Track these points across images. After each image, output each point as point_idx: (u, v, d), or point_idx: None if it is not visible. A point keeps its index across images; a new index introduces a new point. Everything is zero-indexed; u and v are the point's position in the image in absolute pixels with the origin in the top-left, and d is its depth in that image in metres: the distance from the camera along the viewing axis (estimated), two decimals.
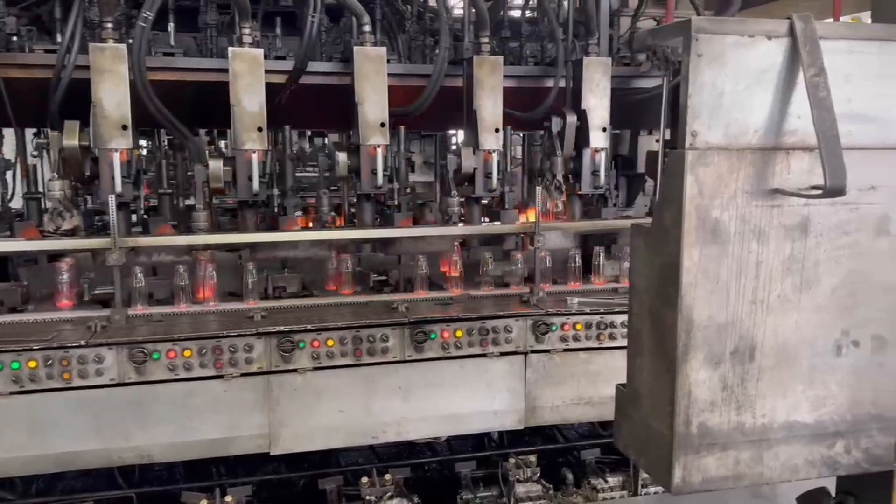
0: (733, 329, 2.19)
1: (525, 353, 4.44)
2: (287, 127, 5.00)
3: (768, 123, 2.13)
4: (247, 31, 4.48)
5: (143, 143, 5.94)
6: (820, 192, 2.05)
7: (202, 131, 6.20)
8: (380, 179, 4.69)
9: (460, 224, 4.93)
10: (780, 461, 2.28)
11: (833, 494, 2.65)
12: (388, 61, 4.82)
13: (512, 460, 4.59)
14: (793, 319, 2.23)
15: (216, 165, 4.42)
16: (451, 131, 7.97)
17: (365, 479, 4.28)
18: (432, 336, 4.21)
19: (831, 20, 5.05)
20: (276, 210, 4.78)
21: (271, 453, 4.07)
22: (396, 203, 5.03)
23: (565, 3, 5.47)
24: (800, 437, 2.29)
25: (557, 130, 4.93)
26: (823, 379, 2.28)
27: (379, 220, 4.98)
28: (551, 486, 4.62)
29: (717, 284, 2.16)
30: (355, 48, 4.65)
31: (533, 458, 4.53)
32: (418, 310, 4.36)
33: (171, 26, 4.76)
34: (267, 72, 4.50)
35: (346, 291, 4.60)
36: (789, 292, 2.21)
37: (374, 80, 4.67)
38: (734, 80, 2.09)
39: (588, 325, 4.41)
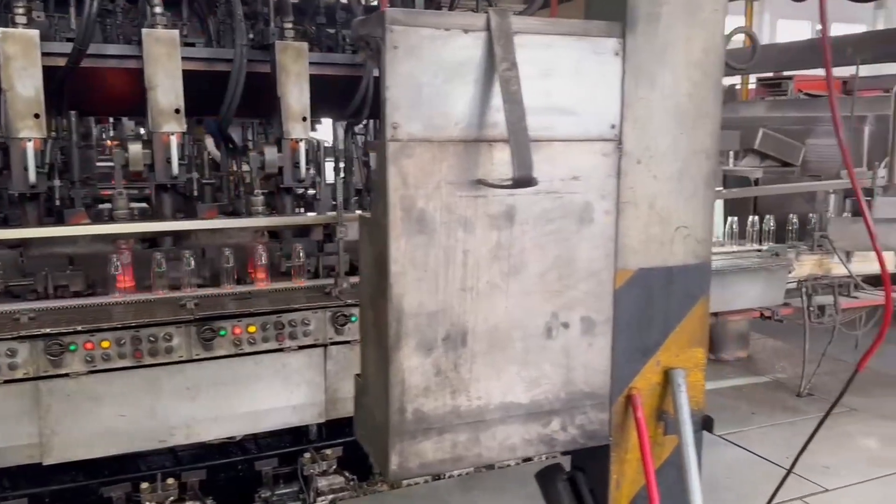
0: (444, 316, 2.24)
1: (325, 346, 4.40)
2: (73, 113, 4.71)
3: (470, 116, 2.19)
4: (20, 10, 4.17)
5: None
6: (511, 182, 2.13)
7: None
8: (175, 169, 4.51)
9: (259, 217, 4.83)
10: (498, 441, 2.37)
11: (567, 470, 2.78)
12: (195, 44, 4.64)
13: (308, 455, 4.55)
14: (503, 305, 2.31)
15: None
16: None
17: (145, 485, 4.11)
18: (222, 333, 4.09)
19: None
20: (59, 203, 4.50)
21: (43, 463, 3.82)
22: (196, 194, 4.87)
23: None
24: (516, 417, 2.39)
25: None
26: (536, 360, 2.39)
27: (183, 213, 4.80)
28: (355, 476, 4.63)
29: (425, 273, 2.20)
30: (144, 31, 4.42)
31: (331, 451, 4.51)
32: (213, 306, 4.23)
33: None
34: (50, 55, 4.22)
35: (128, 287, 4.38)
36: (498, 279, 2.29)
37: (166, 64, 4.47)
38: (432, 73, 2.13)
39: None
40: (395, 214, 2.14)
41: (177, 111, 4.47)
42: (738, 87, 15.73)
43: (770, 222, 6.50)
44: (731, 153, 8.31)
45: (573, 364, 2.43)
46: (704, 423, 2.66)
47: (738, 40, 3.40)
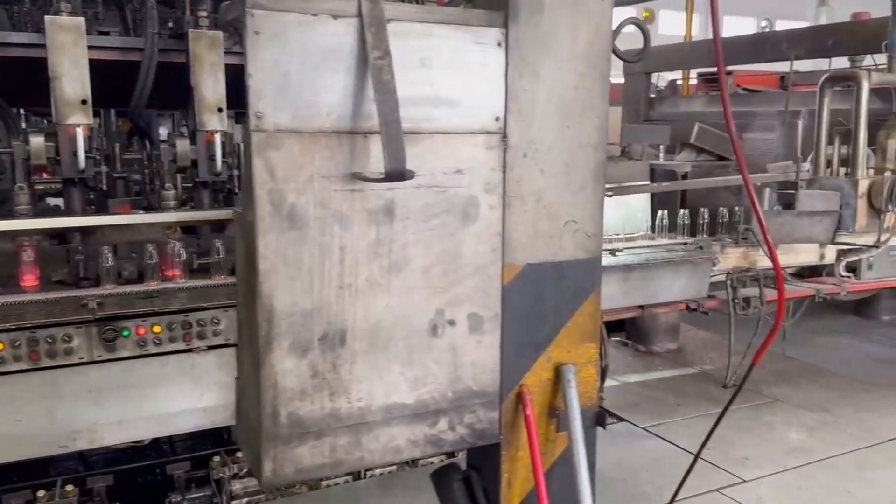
0: (321, 315, 2.16)
1: (237, 346, 4.27)
2: None
3: (343, 106, 2.10)
4: None
5: None
6: (382, 176, 2.05)
7: None
8: (81, 163, 4.32)
9: (170, 212, 4.67)
10: (381, 444, 2.30)
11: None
12: (109, 33, 4.45)
13: (217, 458, 4.43)
14: (384, 302, 2.24)
15: None
16: None
17: (42, 493, 3.95)
18: (125, 333, 3.93)
19: None
20: None
21: None
22: (105, 188, 4.69)
23: None
24: (401, 418, 2.32)
25: None
26: (422, 359, 2.32)
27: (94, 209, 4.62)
28: None
29: (299, 271, 2.11)
30: (47, 18, 4.22)
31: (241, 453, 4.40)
32: (121, 305, 4.06)
33: None
34: None
35: (33, 286, 4.19)
36: (378, 276, 2.22)
37: (72, 52, 4.27)
38: (300, 61, 2.04)
39: None
40: (262, 209, 2.04)
41: (83, 102, 4.29)
42: (679, 82, 15.95)
43: (706, 215, 6.57)
44: (662, 147, 8.39)
45: (461, 362, 2.37)
46: (598, 419, 2.63)
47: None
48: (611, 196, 5.63)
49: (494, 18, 2.27)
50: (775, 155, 9.85)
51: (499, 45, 2.28)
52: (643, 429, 5.56)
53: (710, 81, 15.58)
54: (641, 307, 6.14)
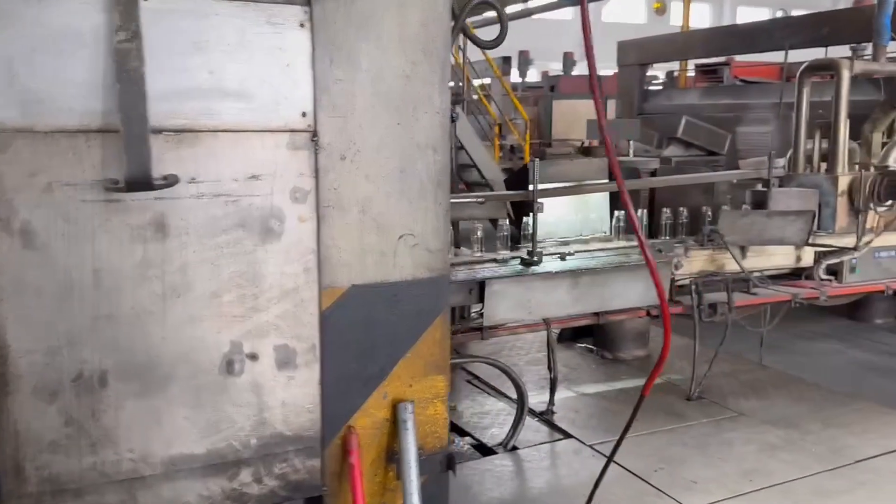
0: (72, 352, 1.80)
1: None
2: None
3: (89, 100, 1.73)
4: None
5: None
6: (119, 185, 1.68)
7: None
8: None
9: None
10: (164, 501, 1.94)
11: None
12: None
13: None
14: (158, 334, 1.87)
15: None
16: None
17: None
18: None
19: None
20: None
21: None
22: None
23: None
24: (189, 472, 1.96)
25: None
26: (214, 401, 1.95)
27: None
28: None
29: (40, 299, 1.75)
30: None
31: None
32: None
33: None
34: None
35: None
36: (148, 303, 1.85)
37: None
38: (29, 45, 1.67)
39: None
40: None
41: None
42: (676, 73, 15.46)
43: (684, 215, 6.13)
44: (630, 142, 7.96)
45: (267, 403, 2.01)
46: (448, 463, 2.26)
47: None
48: (554, 197, 5.23)
49: None
50: (770, 149, 9.39)
51: (301, 25, 1.90)
52: (590, 447, 5.14)
53: (706, 73, 15.09)
54: (597, 314, 5.73)
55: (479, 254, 4.81)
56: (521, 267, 4.80)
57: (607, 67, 14.09)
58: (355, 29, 1.94)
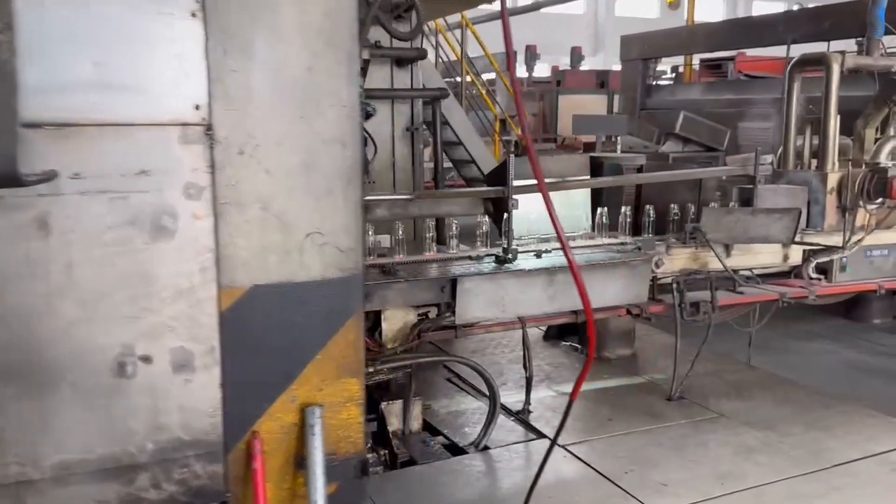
0: None
1: None
2: None
3: None
4: None
5: None
6: None
7: None
8: None
9: None
10: None
11: None
12: None
13: None
14: (46, 335, 1.81)
15: None
16: None
17: None
18: None
19: None
20: None
21: None
22: None
23: None
24: (81, 476, 1.90)
25: None
26: (106, 404, 1.89)
27: None
28: None
29: None
30: None
31: None
32: None
33: None
34: None
35: None
36: (34, 303, 1.79)
37: None
38: None
39: None
40: None
41: None
42: (681, 68, 15.27)
43: (652, 213, 6.02)
44: (618, 138, 7.84)
45: (163, 406, 1.94)
46: (362, 468, 2.18)
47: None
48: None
49: None
50: (771, 144, 9.24)
51: (193, 15, 1.83)
52: (562, 447, 5.04)
53: (711, 68, 14.90)
54: (574, 313, 5.63)
55: (453, 251, 4.73)
56: (494, 265, 4.71)
57: (619, 63, 13.94)
58: (251, 18, 1.86)
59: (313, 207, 1.99)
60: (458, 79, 11.11)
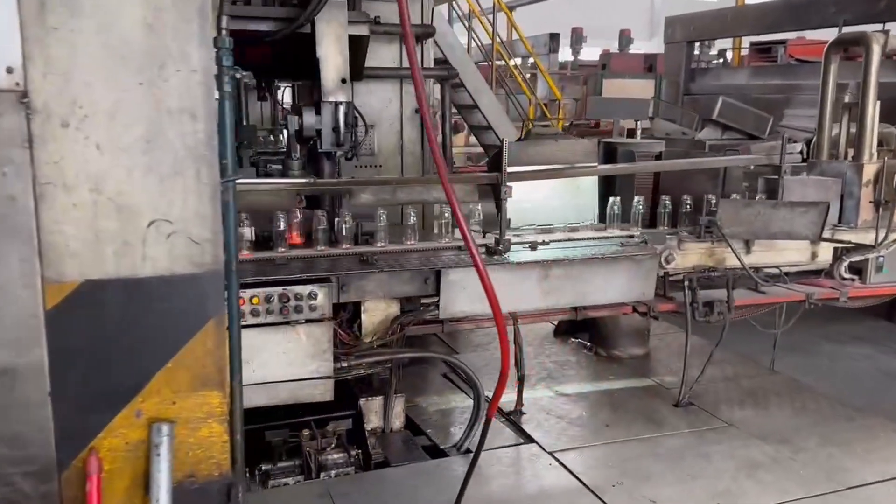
0: None
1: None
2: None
3: None
4: None
5: None
6: None
7: None
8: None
9: None
10: None
11: None
12: None
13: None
14: None
15: None
16: None
17: None
18: None
19: None
20: None
21: None
22: None
23: None
24: None
25: None
26: None
27: None
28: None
29: None
30: None
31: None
32: None
33: None
34: None
35: None
36: None
37: None
38: None
39: None
40: None
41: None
42: (729, 52, 14.53)
43: (667, 204, 5.58)
44: (638, 123, 7.36)
45: None
46: (228, 492, 1.90)
47: None
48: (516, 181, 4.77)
49: None
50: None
51: None
52: (550, 454, 4.71)
53: (761, 51, 14.15)
54: (574, 309, 5.25)
55: (445, 240, 4.43)
56: (484, 256, 4.40)
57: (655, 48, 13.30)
58: None
59: (157, 191, 1.70)
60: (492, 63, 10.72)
